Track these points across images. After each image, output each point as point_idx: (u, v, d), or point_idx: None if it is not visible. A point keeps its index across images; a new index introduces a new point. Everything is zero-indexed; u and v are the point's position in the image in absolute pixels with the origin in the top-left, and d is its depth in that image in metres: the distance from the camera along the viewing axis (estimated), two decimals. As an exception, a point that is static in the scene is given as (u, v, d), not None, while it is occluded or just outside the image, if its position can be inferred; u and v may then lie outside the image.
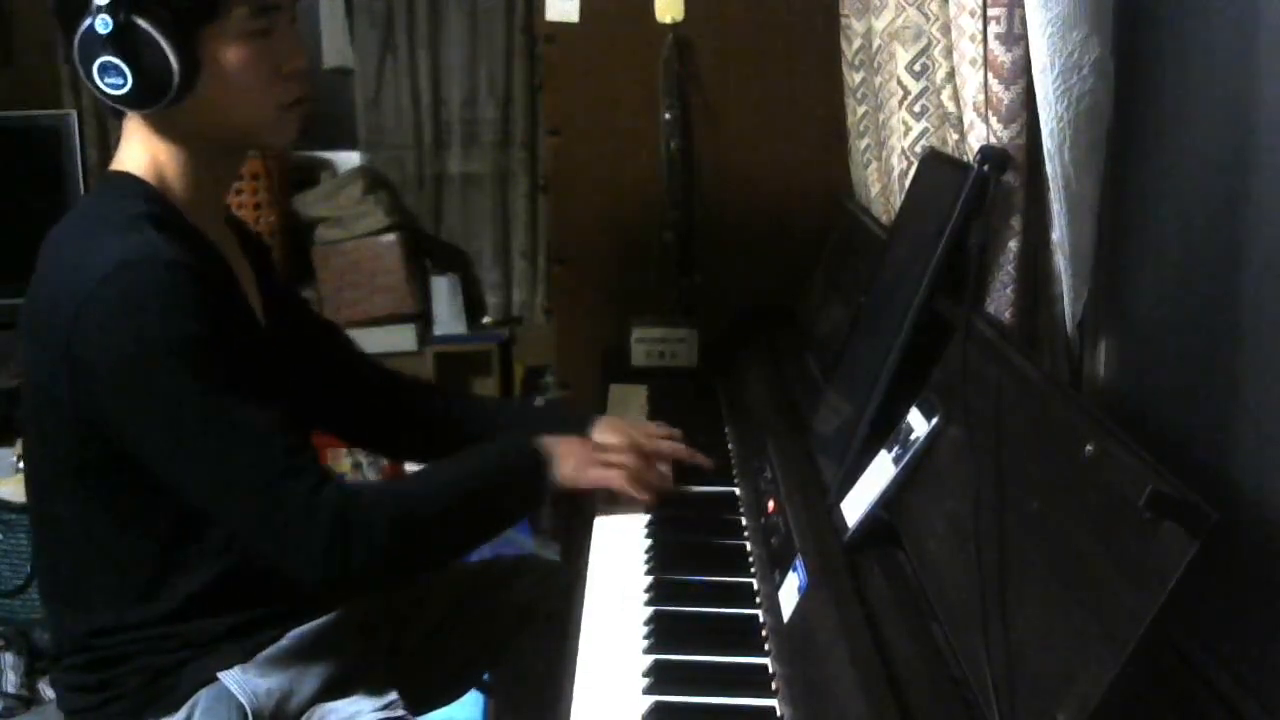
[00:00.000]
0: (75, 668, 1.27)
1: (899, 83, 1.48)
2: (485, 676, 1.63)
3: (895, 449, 1.15)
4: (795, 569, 1.17)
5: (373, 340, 3.21)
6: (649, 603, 1.24)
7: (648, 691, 1.09)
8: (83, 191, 2.97)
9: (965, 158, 1.26)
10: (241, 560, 1.23)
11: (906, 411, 1.16)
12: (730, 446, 1.66)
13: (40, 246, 1.21)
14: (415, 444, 1.65)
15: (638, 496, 1.41)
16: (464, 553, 1.44)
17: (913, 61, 1.46)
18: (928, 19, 1.41)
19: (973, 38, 1.20)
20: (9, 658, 2.51)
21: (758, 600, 1.24)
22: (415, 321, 3.33)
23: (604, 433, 1.51)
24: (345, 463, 3.14)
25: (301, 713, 1.27)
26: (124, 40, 1.15)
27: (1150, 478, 0.76)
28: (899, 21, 1.47)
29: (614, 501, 1.43)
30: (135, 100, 1.18)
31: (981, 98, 1.21)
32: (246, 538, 1.20)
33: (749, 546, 1.36)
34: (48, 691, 2.43)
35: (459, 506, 1.29)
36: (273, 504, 1.15)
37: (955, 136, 1.34)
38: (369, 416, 1.57)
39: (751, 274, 2.10)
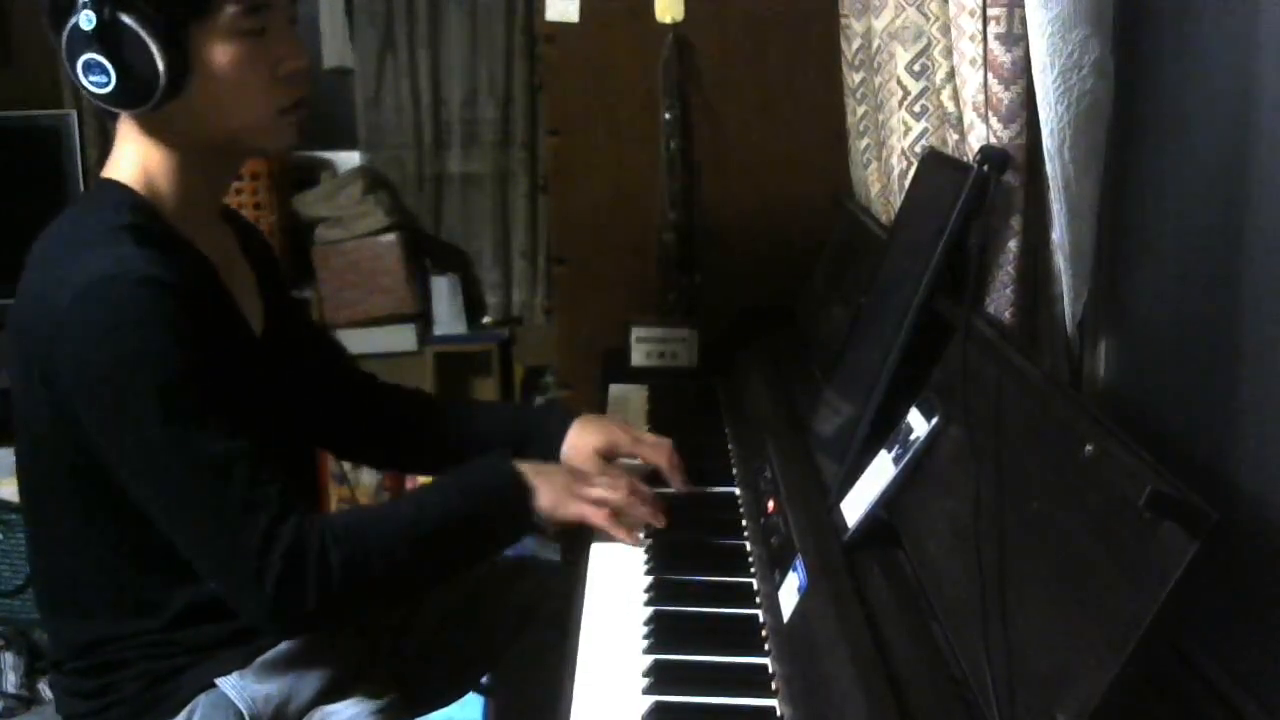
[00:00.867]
0: (74, 673, 1.27)
1: (899, 83, 1.48)
2: (485, 678, 1.63)
3: (895, 449, 1.15)
4: (795, 569, 1.17)
5: (373, 340, 3.21)
6: (649, 603, 1.24)
7: (648, 691, 1.09)
8: (83, 191, 2.97)
9: (965, 158, 1.26)
10: None
11: (906, 411, 1.16)
12: (730, 446, 1.66)
13: (26, 256, 1.19)
14: (403, 456, 1.66)
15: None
16: (434, 586, 1.39)
17: (913, 61, 1.45)
18: (928, 19, 1.41)
19: (973, 38, 1.20)
20: (9, 658, 2.51)
21: (758, 600, 1.24)
22: (415, 321, 3.33)
23: (580, 433, 1.49)
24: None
25: (301, 716, 1.27)
26: (108, 37, 1.12)
27: (1150, 478, 0.76)
28: (899, 21, 1.47)
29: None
30: (121, 100, 1.16)
31: (981, 98, 1.21)
32: (200, 569, 1.18)
33: (749, 546, 1.36)
34: (48, 692, 2.43)
35: (427, 545, 1.23)
36: (226, 540, 1.13)
37: (955, 136, 1.34)
38: (356, 426, 1.55)
39: (751, 274, 2.10)
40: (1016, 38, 1.16)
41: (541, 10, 2.11)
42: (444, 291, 3.37)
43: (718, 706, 1.07)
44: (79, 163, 3.02)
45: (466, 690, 1.59)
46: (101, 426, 1.13)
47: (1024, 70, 1.16)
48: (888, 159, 1.58)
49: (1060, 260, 1.20)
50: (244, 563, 1.12)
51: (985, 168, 1.17)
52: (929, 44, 1.41)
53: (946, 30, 1.32)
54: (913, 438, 1.13)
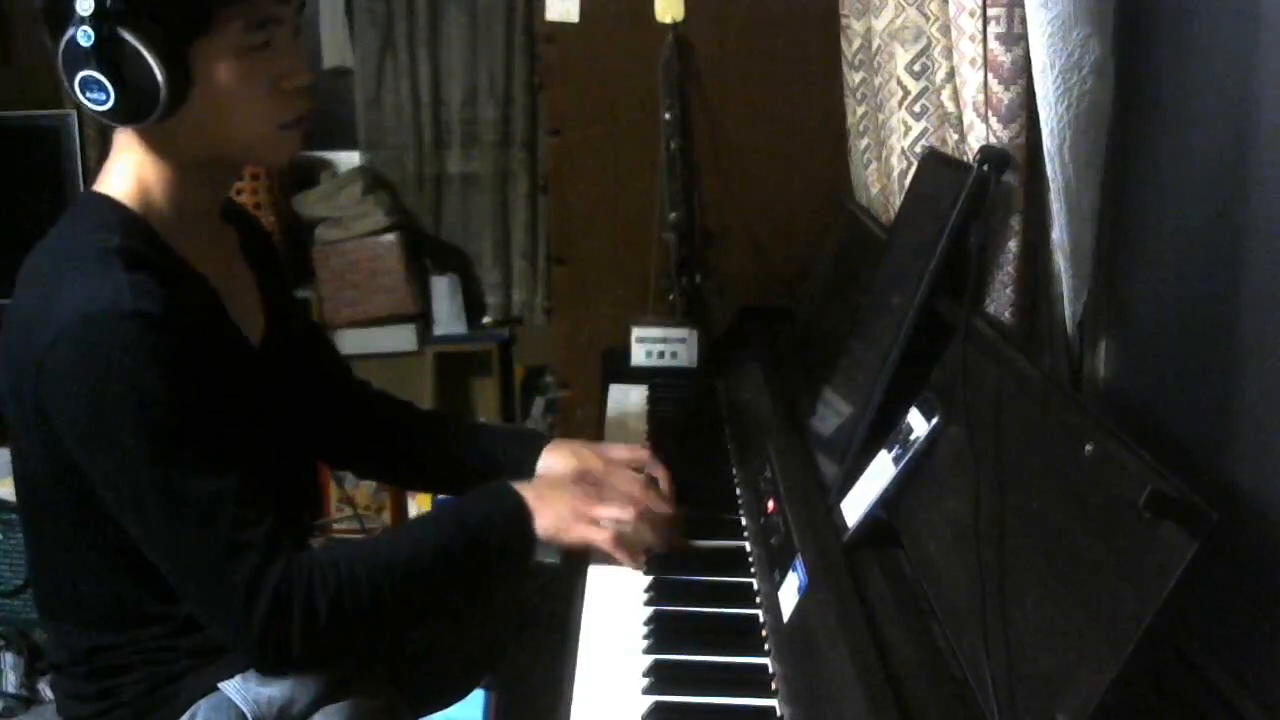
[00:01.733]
0: (75, 677, 1.26)
1: (899, 83, 1.48)
2: (486, 679, 1.63)
3: (895, 449, 1.15)
4: (795, 569, 1.17)
5: (373, 340, 3.21)
6: (649, 603, 1.24)
7: (648, 691, 1.09)
8: (76, 202, 2.97)
9: (965, 158, 1.26)
10: None
11: (906, 411, 1.16)
12: (730, 446, 1.66)
13: (20, 268, 1.17)
14: (384, 468, 1.65)
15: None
16: (433, 615, 1.34)
17: (913, 61, 1.45)
18: (928, 19, 1.41)
19: (973, 38, 1.20)
20: (9, 658, 2.51)
21: (758, 600, 1.24)
22: (415, 321, 3.33)
23: (552, 460, 1.46)
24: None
25: (303, 718, 1.26)
26: (107, 54, 1.09)
27: (1150, 478, 0.76)
28: (899, 21, 1.47)
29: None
30: (120, 116, 1.14)
31: (981, 98, 1.21)
32: (189, 606, 1.17)
33: (749, 546, 1.36)
34: (47, 692, 2.43)
35: (419, 580, 1.20)
36: (213, 581, 1.11)
37: (955, 136, 1.34)
38: (344, 436, 1.54)
39: (751, 274, 2.11)
40: (1016, 38, 1.16)
41: (541, 10, 2.11)
42: (444, 291, 3.37)
43: (718, 706, 1.07)
44: (79, 163, 3.01)
45: (468, 691, 1.59)
46: (89, 462, 1.12)
47: (1024, 70, 1.16)
48: (888, 159, 1.58)
49: (1060, 260, 1.20)
50: (230, 607, 1.11)
51: (985, 168, 1.17)
52: (929, 44, 1.41)
53: (946, 30, 1.32)
54: (913, 438, 1.13)
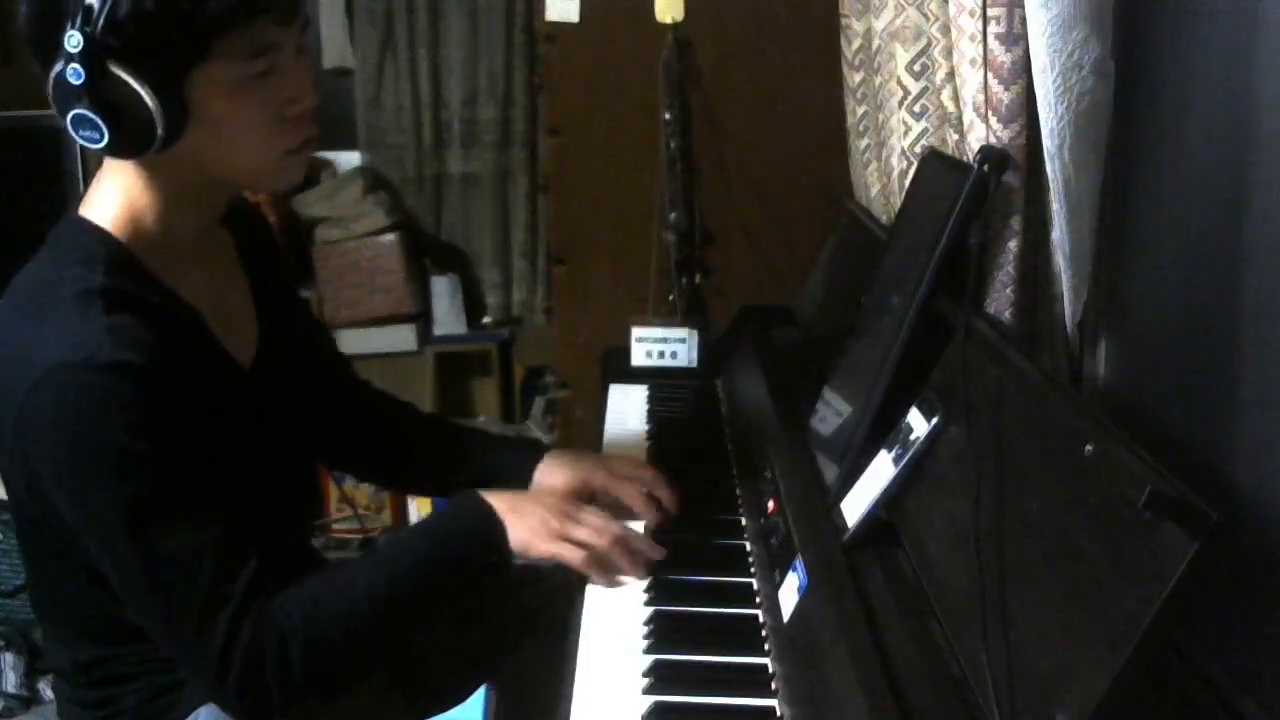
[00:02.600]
0: (77, 685, 1.26)
1: (899, 83, 1.48)
2: (486, 684, 1.62)
3: (895, 449, 1.15)
4: (795, 569, 1.17)
5: (373, 340, 3.22)
6: (649, 603, 1.24)
7: (648, 691, 1.09)
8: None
9: (965, 158, 1.26)
10: None
11: (906, 411, 1.16)
12: (730, 447, 1.66)
13: (19, 268, 1.14)
14: (384, 473, 1.63)
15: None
16: (412, 635, 1.31)
17: (913, 61, 1.45)
18: (928, 19, 1.41)
19: (973, 38, 1.20)
20: (9, 658, 2.51)
21: (758, 600, 1.24)
22: (415, 321, 3.33)
23: (549, 473, 1.42)
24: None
25: None
26: (99, 90, 1.03)
27: (1150, 478, 0.76)
28: (899, 21, 1.47)
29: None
30: (115, 152, 1.09)
31: (981, 98, 1.21)
32: (166, 652, 1.16)
33: (749, 546, 1.36)
34: (47, 692, 2.43)
35: (393, 606, 1.17)
36: (187, 640, 1.09)
37: (955, 136, 1.34)
38: (344, 440, 1.52)
39: (751, 274, 2.11)
40: (1016, 38, 1.16)
41: (541, 10, 2.11)
42: (444, 291, 3.38)
43: (718, 706, 1.07)
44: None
45: (468, 695, 1.59)
46: (68, 510, 1.10)
47: (1024, 70, 1.16)
48: (888, 159, 1.58)
49: (1060, 260, 1.20)
50: (205, 667, 1.09)
51: (985, 168, 1.17)
52: (929, 44, 1.41)
53: (946, 30, 1.32)
54: (913, 438, 1.13)
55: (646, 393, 1.91)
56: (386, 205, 3.31)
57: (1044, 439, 0.93)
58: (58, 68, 1.04)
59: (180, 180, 1.15)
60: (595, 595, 1.26)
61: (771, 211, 2.10)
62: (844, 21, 1.83)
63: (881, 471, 1.16)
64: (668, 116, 2.05)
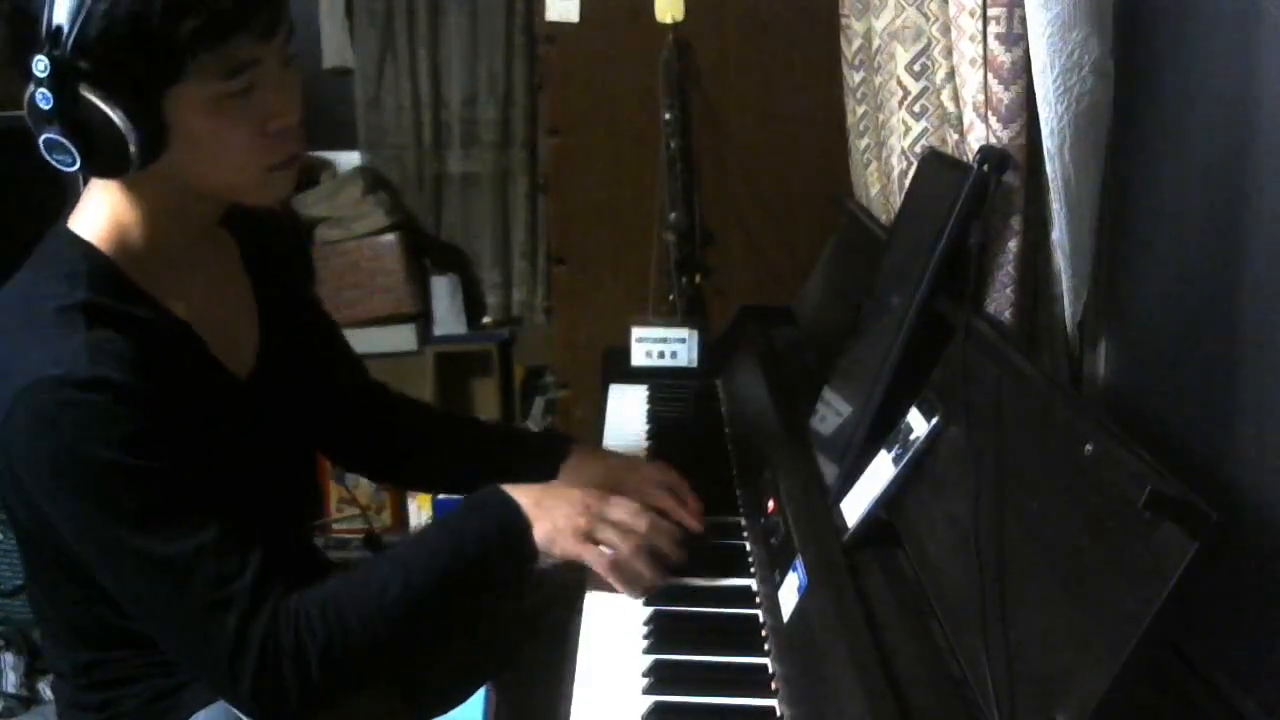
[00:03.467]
0: (77, 687, 1.26)
1: (899, 83, 1.48)
2: (486, 683, 1.62)
3: (895, 449, 1.15)
4: (795, 569, 1.17)
5: (373, 340, 3.21)
6: (649, 603, 1.24)
7: (648, 691, 1.09)
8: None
9: (965, 158, 1.26)
10: None
11: (906, 411, 1.16)
12: (730, 446, 1.66)
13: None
14: (402, 473, 1.63)
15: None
16: (435, 637, 1.28)
17: (913, 61, 1.46)
18: (928, 19, 1.41)
19: (973, 38, 1.20)
20: (9, 658, 2.51)
21: (758, 600, 1.24)
22: (415, 321, 3.33)
23: (576, 469, 1.41)
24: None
25: None
26: (69, 115, 1.01)
27: (1150, 478, 0.76)
28: (899, 21, 1.47)
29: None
30: (92, 174, 1.08)
31: (981, 98, 1.21)
32: (178, 661, 1.15)
33: (749, 546, 1.36)
34: (47, 692, 2.43)
35: (413, 608, 1.14)
36: (197, 641, 1.08)
37: (955, 136, 1.34)
38: (357, 441, 1.52)
39: (751, 274, 2.11)
40: (1016, 38, 1.16)
41: (541, 10, 2.11)
42: (444, 291, 3.37)
43: (718, 706, 1.07)
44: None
45: (469, 695, 1.59)
46: (60, 523, 1.09)
47: (1024, 70, 1.16)
48: (888, 159, 1.58)
49: (1060, 260, 1.20)
50: (217, 667, 1.07)
51: (985, 168, 1.17)
52: (929, 44, 1.41)
53: (946, 30, 1.32)
54: (913, 438, 1.13)
55: (646, 393, 1.91)
56: (386, 205, 3.31)
57: (1044, 439, 0.93)
58: (29, 90, 1.02)
59: (165, 195, 1.13)
60: (595, 595, 1.26)
61: (771, 211, 2.11)
62: (844, 21, 1.83)
63: (881, 471, 1.16)
64: (668, 116, 2.05)
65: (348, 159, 3.43)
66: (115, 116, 1.01)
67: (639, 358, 2.03)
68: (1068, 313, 1.23)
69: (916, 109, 1.47)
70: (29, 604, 1.33)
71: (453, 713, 1.54)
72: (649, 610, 1.22)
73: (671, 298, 2.11)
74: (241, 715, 1.19)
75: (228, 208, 1.23)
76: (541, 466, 1.44)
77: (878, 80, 1.61)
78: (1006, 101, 1.18)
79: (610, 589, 1.24)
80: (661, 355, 2.02)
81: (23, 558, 1.27)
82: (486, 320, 3.47)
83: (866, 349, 1.34)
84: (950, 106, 1.35)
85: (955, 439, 1.08)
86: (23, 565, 1.29)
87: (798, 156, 2.08)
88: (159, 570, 1.07)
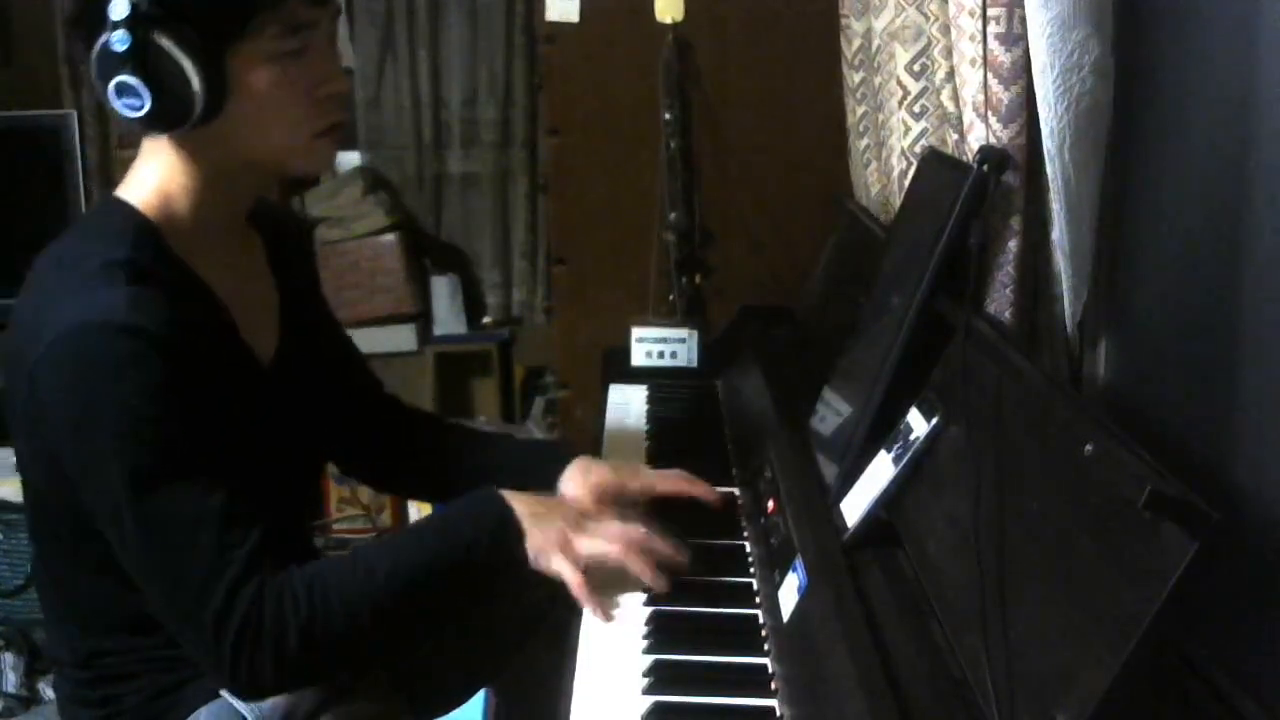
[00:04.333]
0: (79, 682, 1.26)
1: (899, 83, 1.48)
2: (486, 684, 1.62)
3: (895, 449, 1.15)
4: (795, 569, 1.17)
5: (373, 340, 3.22)
6: (648, 602, 1.24)
7: (648, 691, 1.09)
8: (83, 192, 2.98)
9: (965, 158, 1.26)
10: None
11: (906, 411, 1.16)
12: (730, 446, 1.66)
13: (20, 267, 1.16)
14: (404, 482, 1.64)
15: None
16: (419, 636, 1.29)
17: (913, 61, 1.46)
18: (927, 19, 1.41)
19: (972, 38, 1.20)
20: (9, 658, 2.51)
21: (758, 600, 1.24)
22: (415, 321, 3.33)
23: (579, 473, 1.39)
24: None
25: None
26: (142, 59, 1.07)
27: (1150, 478, 0.76)
28: (899, 21, 1.47)
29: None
30: (155, 123, 1.12)
31: (981, 98, 1.21)
32: (164, 622, 1.14)
33: (749, 546, 1.36)
34: (48, 691, 2.43)
35: (398, 599, 1.14)
36: (186, 606, 1.08)
37: (955, 136, 1.34)
38: (363, 448, 1.52)
39: (751, 274, 2.11)
40: (1016, 38, 1.16)
41: (541, 10, 2.11)
42: (444, 291, 3.38)
43: (718, 706, 1.07)
44: (79, 163, 3.02)
45: (469, 697, 1.59)
46: (75, 473, 1.11)
47: (1024, 70, 1.16)
48: (888, 159, 1.58)
49: (1060, 260, 1.20)
50: (201, 633, 1.08)
51: (985, 168, 1.17)
52: (929, 44, 1.41)
53: (946, 30, 1.32)
54: (913, 438, 1.13)
55: (646, 393, 1.91)
56: (386, 205, 3.31)
57: (1044, 439, 0.93)
58: (103, 38, 1.07)
59: (215, 162, 1.18)
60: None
61: (771, 211, 2.11)
62: (844, 21, 1.83)
63: (881, 471, 1.16)
64: (668, 116, 2.05)
65: (348, 159, 3.44)
66: (186, 64, 1.07)
67: (639, 358, 2.03)
68: (1068, 313, 1.23)
69: (916, 109, 1.47)
70: (36, 590, 1.33)
71: (453, 713, 1.54)
72: (649, 610, 1.22)
73: (671, 298, 2.11)
74: (244, 712, 1.20)
75: (251, 206, 1.28)
76: (543, 477, 1.43)
77: (878, 80, 1.61)
78: (1006, 101, 1.18)
79: (616, 586, 1.23)
80: (661, 355, 2.03)
81: (33, 537, 1.28)
82: (486, 320, 3.47)
83: (866, 349, 1.34)
84: (950, 106, 1.35)
85: (955, 439, 1.08)
86: (32, 546, 1.30)
87: (798, 156, 2.08)
88: (162, 528, 1.08)
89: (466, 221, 3.47)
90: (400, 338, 3.31)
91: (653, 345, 2.03)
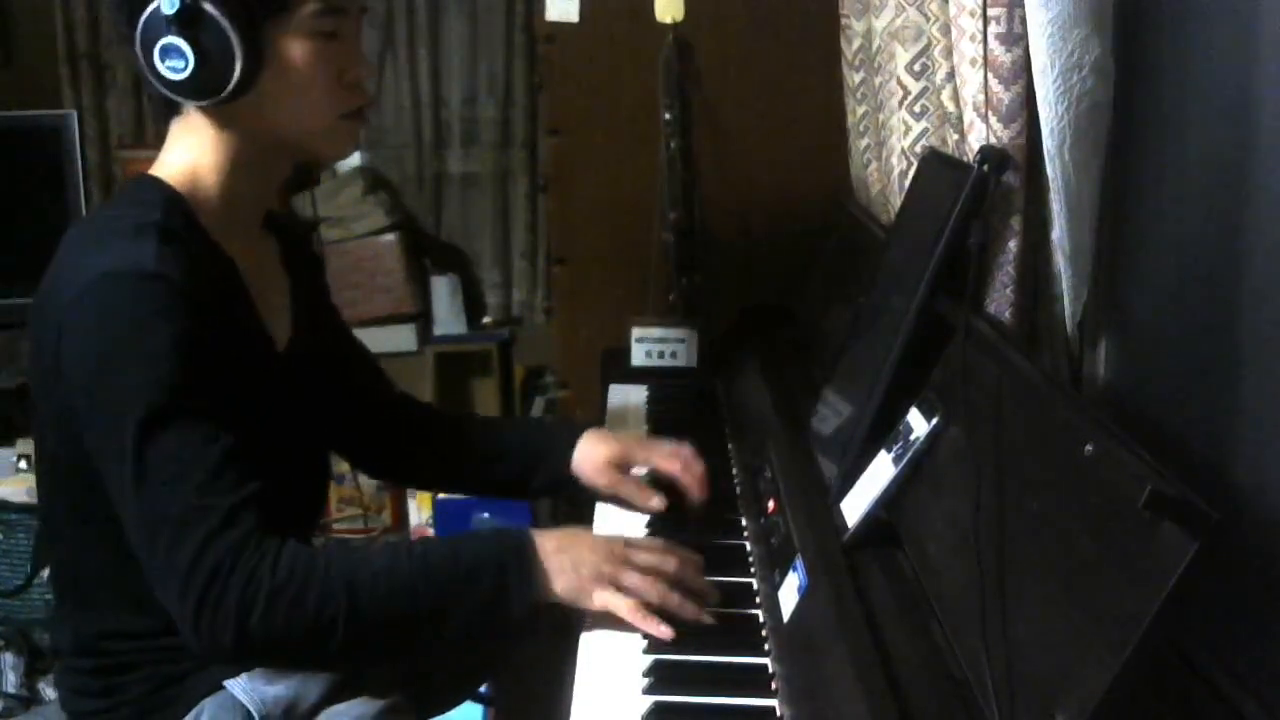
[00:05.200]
0: (81, 671, 1.26)
1: (899, 83, 1.48)
2: (486, 684, 1.63)
3: (895, 449, 1.15)
4: (795, 569, 1.17)
5: (373, 340, 3.18)
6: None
7: (648, 691, 1.09)
8: (83, 192, 2.97)
9: (965, 158, 1.26)
10: None
11: (906, 411, 1.16)
12: (730, 446, 1.66)
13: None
14: (416, 474, 1.66)
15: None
16: (399, 651, 1.21)
17: (913, 61, 1.46)
18: (928, 19, 1.41)
19: (973, 38, 1.20)
20: (9, 658, 2.51)
21: (758, 600, 1.24)
22: (415, 321, 3.33)
23: (591, 445, 1.45)
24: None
25: (309, 717, 1.26)
26: (189, 23, 1.13)
27: (1150, 478, 0.76)
28: (899, 21, 1.47)
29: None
30: (193, 89, 1.16)
31: (981, 98, 1.21)
32: (146, 573, 1.12)
33: (749, 546, 1.36)
34: (48, 691, 2.43)
35: (382, 602, 1.10)
36: (163, 545, 1.07)
37: (955, 136, 1.34)
38: (376, 444, 1.55)
39: (751, 274, 2.11)
40: (1016, 38, 1.16)
41: (541, 10, 2.11)
42: (444, 291, 3.38)
43: (718, 706, 1.07)
44: (79, 163, 3.01)
45: (472, 692, 1.59)
46: (86, 416, 1.13)
47: (1024, 70, 1.16)
48: (888, 159, 1.58)
49: (1060, 260, 1.20)
50: (172, 574, 1.07)
51: (985, 168, 1.17)
52: (929, 44, 1.41)
53: (946, 30, 1.32)
54: (913, 438, 1.13)
55: (646, 393, 1.91)
56: (386, 205, 3.31)
57: (1044, 439, 0.93)
58: (151, 6, 1.13)
59: (242, 140, 1.22)
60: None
61: (771, 211, 2.10)
62: (844, 21, 1.83)
63: (881, 471, 1.16)
64: (668, 116, 2.05)
65: (348, 159, 3.44)
66: (230, 32, 1.13)
67: (639, 358, 2.03)
68: (1068, 313, 1.23)
69: (916, 109, 1.47)
70: (48, 570, 1.35)
71: (453, 713, 1.54)
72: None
73: (671, 298, 2.10)
74: (246, 703, 1.20)
75: (268, 209, 1.33)
76: (556, 449, 1.48)
77: (878, 80, 1.61)
78: (1006, 101, 1.18)
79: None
80: (661, 355, 2.03)
81: (44, 507, 1.30)
82: (486, 320, 3.47)
83: (866, 349, 1.34)
84: (950, 106, 1.35)
85: (955, 439, 1.08)
86: (39, 518, 1.33)
87: (798, 156, 2.08)
88: (157, 467, 1.08)
89: (466, 221, 3.48)
90: (400, 338, 3.31)
91: (652, 345, 2.03)
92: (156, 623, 1.20)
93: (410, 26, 3.36)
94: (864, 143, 1.78)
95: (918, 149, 1.47)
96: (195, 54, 1.13)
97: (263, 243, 1.35)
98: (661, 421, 1.79)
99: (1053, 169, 1.14)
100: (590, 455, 1.46)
